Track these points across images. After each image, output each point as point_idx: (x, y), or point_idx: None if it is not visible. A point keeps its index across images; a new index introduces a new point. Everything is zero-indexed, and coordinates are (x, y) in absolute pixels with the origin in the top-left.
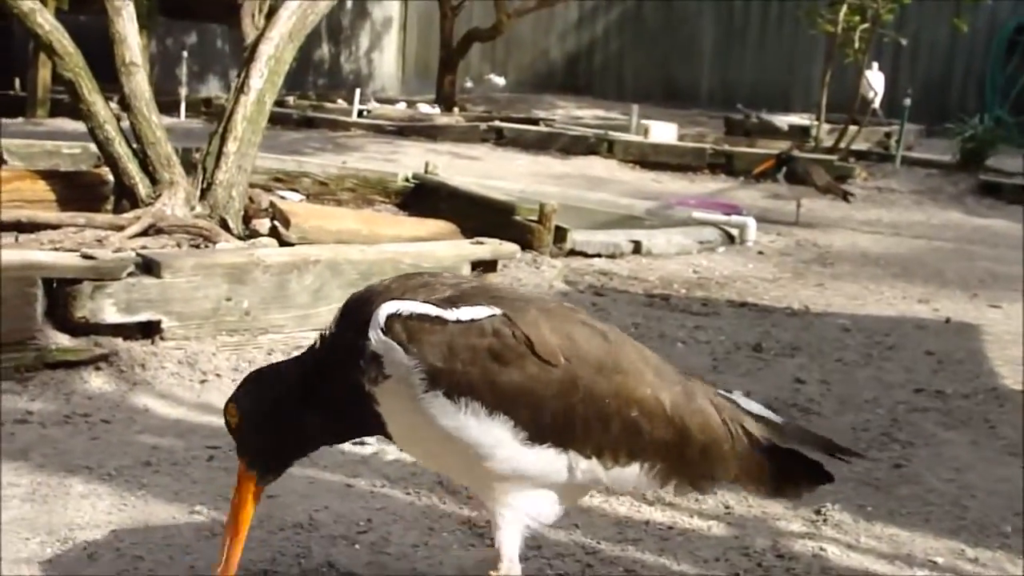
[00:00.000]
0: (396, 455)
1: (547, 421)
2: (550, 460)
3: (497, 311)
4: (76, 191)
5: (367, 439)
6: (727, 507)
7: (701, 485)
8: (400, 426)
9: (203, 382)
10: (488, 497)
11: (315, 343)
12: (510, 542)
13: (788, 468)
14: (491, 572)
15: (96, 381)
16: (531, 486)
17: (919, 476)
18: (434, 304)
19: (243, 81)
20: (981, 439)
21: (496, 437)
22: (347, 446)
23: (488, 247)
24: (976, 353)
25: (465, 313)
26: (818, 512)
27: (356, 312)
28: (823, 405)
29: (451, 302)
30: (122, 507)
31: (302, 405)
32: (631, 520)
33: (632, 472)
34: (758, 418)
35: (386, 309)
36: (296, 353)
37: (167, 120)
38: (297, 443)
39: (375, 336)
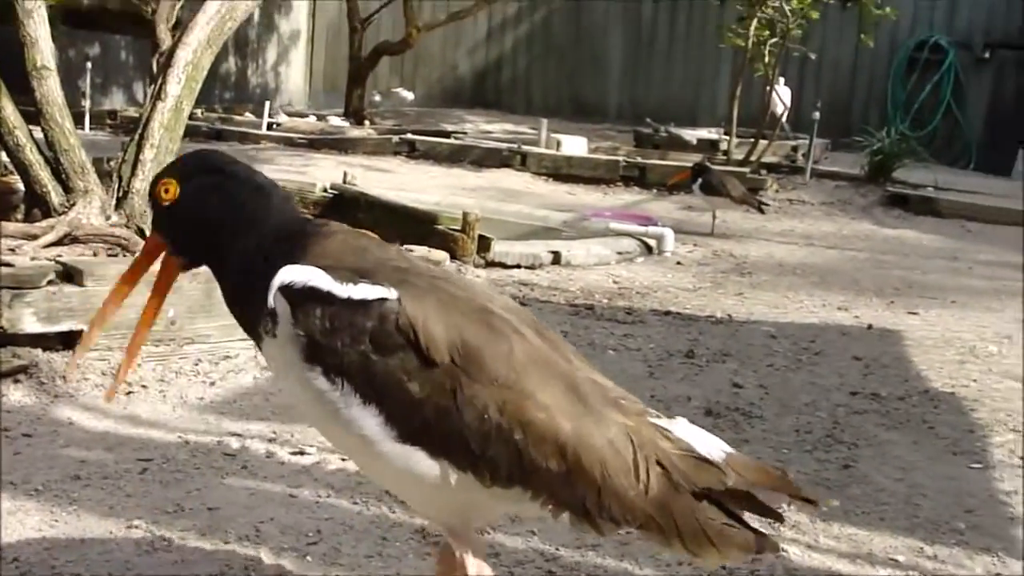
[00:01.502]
0: (339, 464)
1: (420, 422)
2: (422, 465)
3: (392, 294)
4: None
5: (307, 448)
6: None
7: (598, 525)
8: (283, 386)
9: (129, 393)
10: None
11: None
12: (463, 550)
13: (713, 527)
14: None
15: (15, 394)
16: (416, 488)
17: (868, 476)
18: (335, 275)
19: (160, 88)
20: (922, 439)
21: (368, 427)
22: (287, 456)
23: (417, 256)
24: (901, 358)
25: (359, 291)
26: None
27: (287, 249)
28: (764, 408)
29: (358, 275)
30: (53, 523)
31: (242, 218)
32: None
33: (514, 496)
34: (696, 458)
35: (282, 274)
36: (223, 364)
37: None
38: (215, 259)
39: (270, 299)
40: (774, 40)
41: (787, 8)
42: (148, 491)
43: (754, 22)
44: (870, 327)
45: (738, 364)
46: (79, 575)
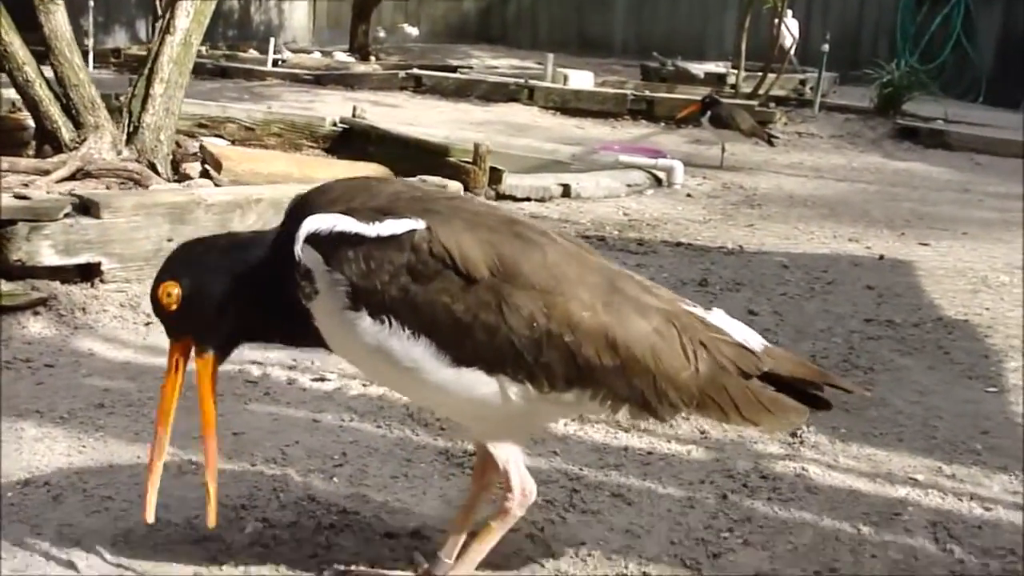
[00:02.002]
0: (360, 390)
1: (471, 342)
2: (480, 384)
3: (420, 224)
4: None
5: (328, 374)
6: (702, 432)
7: (658, 412)
8: (336, 342)
9: (148, 324)
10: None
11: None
12: (511, 465)
13: (765, 395)
14: (506, 503)
15: (35, 326)
16: (479, 409)
17: (886, 399)
18: (360, 216)
19: (168, 21)
20: (938, 364)
21: (421, 358)
22: (308, 382)
23: (425, 185)
24: (913, 287)
25: (386, 227)
26: (794, 435)
27: (294, 220)
28: (779, 335)
29: (379, 213)
30: (81, 449)
31: (255, 282)
32: (609, 447)
33: (572, 398)
34: (735, 343)
35: (308, 224)
36: None
37: None
38: (249, 321)
39: (298, 251)
40: None
41: None
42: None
43: None
44: (882, 257)
45: (752, 293)
46: (110, 497)
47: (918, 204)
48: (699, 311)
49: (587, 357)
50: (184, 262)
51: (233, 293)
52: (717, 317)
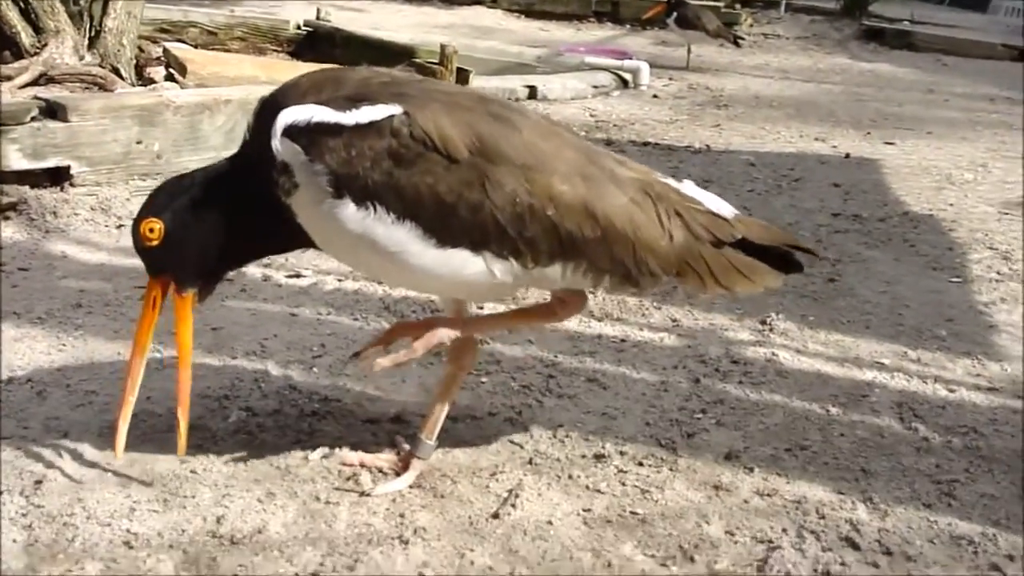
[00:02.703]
0: (336, 284)
1: (455, 222)
2: (467, 263)
3: (397, 109)
4: None
5: (303, 271)
6: (674, 320)
7: (639, 282)
8: (320, 235)
9: (120, 227)
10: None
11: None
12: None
13: (740, 261)
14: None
15: (6, 231)
16: (467, 288)
17: (852, 289)
18: (335, 105)
19: None
20: (903, 256)
21: (407, 241)
22: (283, 279)
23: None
24: (879, 184)
25: (364, 114)
26: (763, 322)
27: (265, 119)
28: None
29: (353, 101)
30: (61, 347)
31: (231, 213)
32: (583, 335)
33: (556, 271)
34: (708, 211)
35: (284, 117)
36: None
37: None
38: (232, 253)
39: (276, 145)
40: None
41: None
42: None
43: None
44: (847, 156)
45: (720, 189)
46: (94, 392)
47: (883, 104)
48: (672, 182)
49: (569, 230)
50: (168, 198)
51: (217, 229)
52: (689, 188)
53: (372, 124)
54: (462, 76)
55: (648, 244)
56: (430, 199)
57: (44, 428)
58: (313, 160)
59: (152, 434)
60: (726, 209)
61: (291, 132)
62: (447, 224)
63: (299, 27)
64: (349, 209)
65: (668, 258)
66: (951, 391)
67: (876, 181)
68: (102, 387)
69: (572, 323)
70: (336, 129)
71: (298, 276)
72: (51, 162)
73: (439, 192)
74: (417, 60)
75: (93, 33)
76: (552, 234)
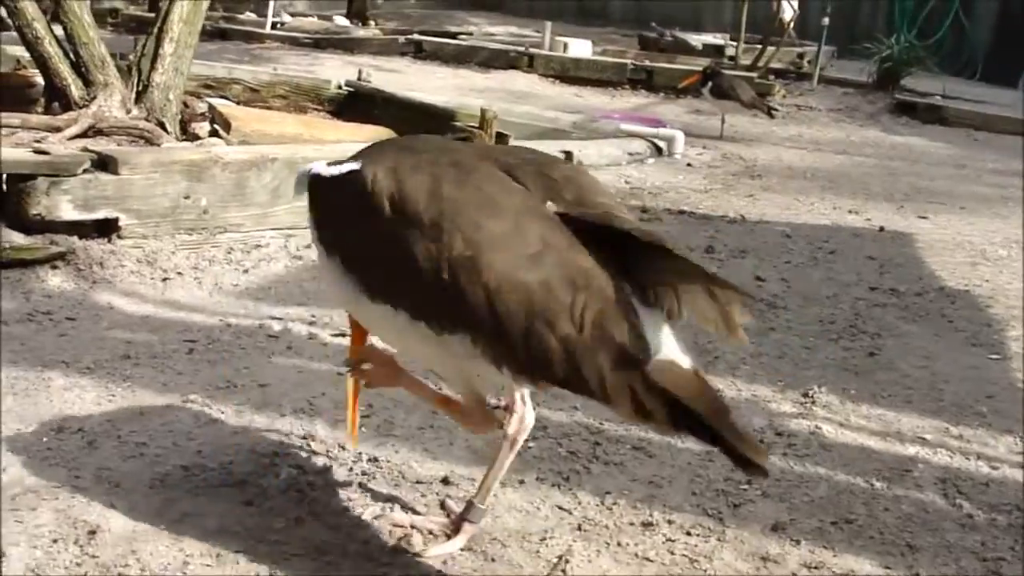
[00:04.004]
0: (380, 344)
1: (377, 277)
2: (391, 319)
3: (356, 165)
4: (1, 93)
5: (346, 329)
6: (717, 390)
7: (532, 376)
8: None
9: (165, 280)
10: None
11: None
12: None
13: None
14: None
15: (54, 280)
16: (406, 348)
17: (893, 363)
18: (331, 161)
19: None
20: (942, 332)
21: (349, 290)
22: (328, 337)
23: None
24: (914, 258)
25: (337, 169)
26: (806, 395)
27: None
28: (787, 300)
29: (354, 159)
30: (111, 398)
31: None
32: None
33: (459, 343)
34: (636, 329)
35: (312, 167)
36: (255, 252)
37: None
38: None
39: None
40: None
41: None
42: (197, 369)
43: None
44: (882, 229)
45: (757, 260)
46: (144, 443)
47: (916, 178)
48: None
49: (468, 299)
50: None
51: None
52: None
53: (332, 177)
54: (501, 141)
55: (543, 338)
56: (360, 252)
57: (96, 478)
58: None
59: (205, 488)
60: (681, 358)
61: (306, 183)
62: (371, 278)
63: (340, 87)
64: (320, 251)
65: (560, 360)
66: (994, 468)
67: (911, 255)
68: (152, 439)
69: None
70: (318, 181)
71: (343, 335)
72: (100, 214)
73: (365, 247)
74: (457, 123)
75: (140, 88)
76: (453, 302)
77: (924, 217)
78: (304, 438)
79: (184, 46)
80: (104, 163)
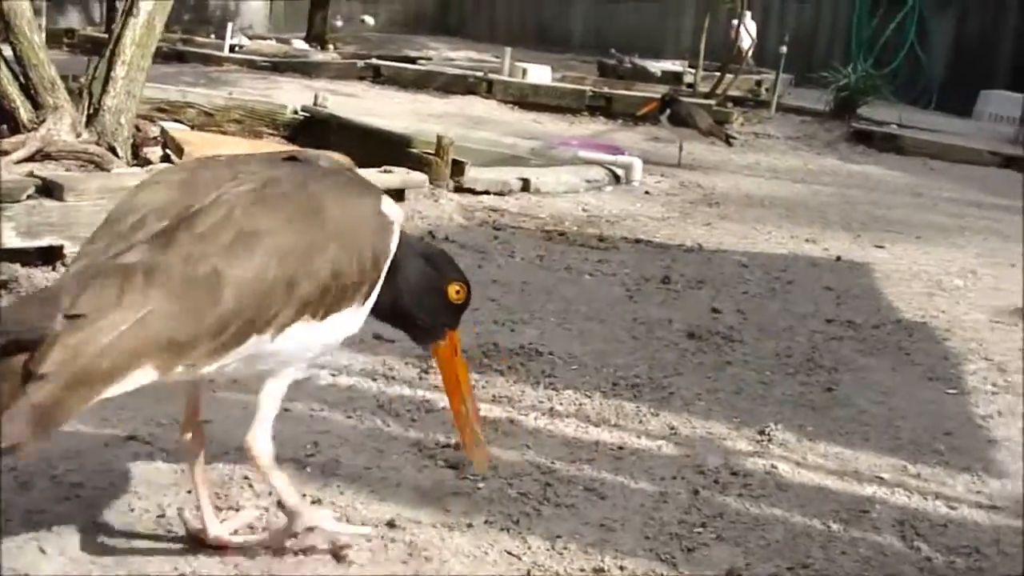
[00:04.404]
0: (330, 380)
1: None
2: None
3: None
4: None
5: None
6: (672, 427)
7: None
8: None
9: None
10: None
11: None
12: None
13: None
14: None
15: None
16: None
17: (850, 399)
18: None
19: (132, 3)
20: (899, 365)
21: None
22: None
23: (397, 176)
24: (871, 289)
25: None
26: (762, 432)
27: None
28: (744, 333)
29: None
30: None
31: None
32: (580, 441)
33: None
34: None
35: None
36: None
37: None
38: None
39: None
40: None
41: None
42: (141, 406)
43: None
44: (839, 259)
45: (714, 291)
46: (80, 484)
47: (873, 207)
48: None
49: None
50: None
51: None
52: None
53: None
54: (458, 168)
55: None
56: None
57: (26, 521)
58: None
59: (140, 531)
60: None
61: None
62: None
63: (296, 112)
64: None
65: None
66: (952, 508)
67: (867, 286)
68: (88, 479)
69: (570, 429)
70: None
71: None
72: (44, 241)
73: None
74: (414, 150)
75: (91, 111)
76: None
77: (881, 246)
78: (246, 478)
79: (137, 69)
80: (49, 189)
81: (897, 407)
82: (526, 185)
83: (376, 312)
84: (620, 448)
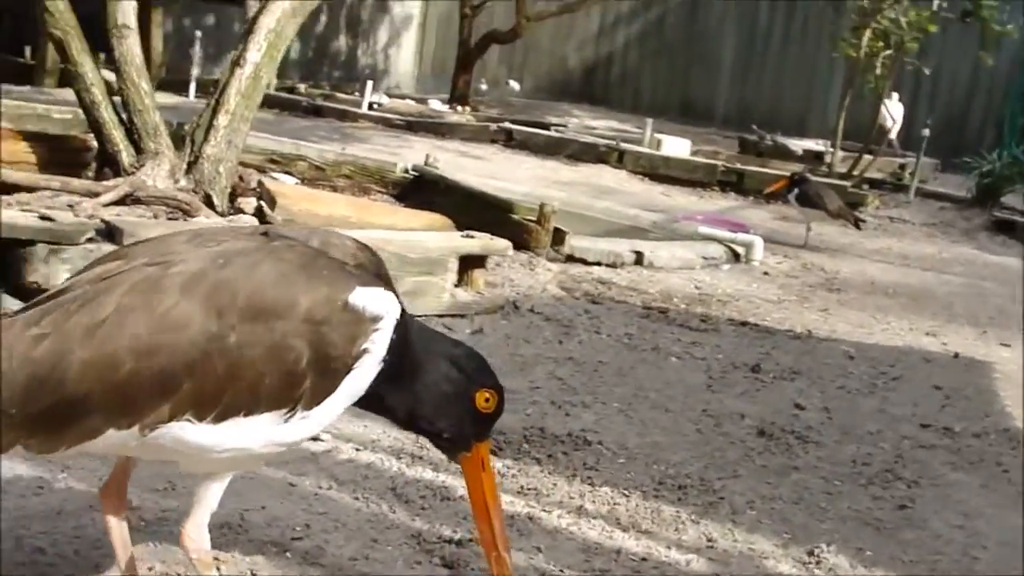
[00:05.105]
0: (350, 455)
1: None
2: None
3: None
4: (59, 155)
5: (323, 434)
6: (710, 539)
7: None
8: None
9: None
10: None
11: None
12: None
13: None
14: None
15: None
16: None
17: (925, 520)
18: None
19: (240, 54)
20: (992, 483)
21: None
22: None
23: (478, 241)
24: (986, 391)
25: None
26: (811, 553)
27: None
28: (823, 433)
29: None
30: (38, 491)
31: None
32: (601, 547)
33: None
34: None
35: None
36: None
37: (177, 99)
38: None
39: None
40: (887, 52)
41: (903, 20)
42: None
43: (867, 32)
44: (956, 355)
45: (806, 384)
46: (42, 550)
47: (1006, 301)
48: None
49: None
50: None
51: None
52: None
53: None
54: (559, 236)
55: None
56: None
57: None
58: None
59: None
60: None
61: None
62: None
63: (405, 171)
64: None
65: None
66: None
67: (983, 387)
68: (53, 545)
69: (594, 532)
70: None
71: (316, 439)
72: None
73: None
74: (515, 216)
75: (192, 158)
76: None
77: (1007, 344)
78: (216, 558)
79: (240, 119)
80: (111, 233)
81: (977, 532)
82: (639, 258)
83: (393, 419)
84: (642, 560)
